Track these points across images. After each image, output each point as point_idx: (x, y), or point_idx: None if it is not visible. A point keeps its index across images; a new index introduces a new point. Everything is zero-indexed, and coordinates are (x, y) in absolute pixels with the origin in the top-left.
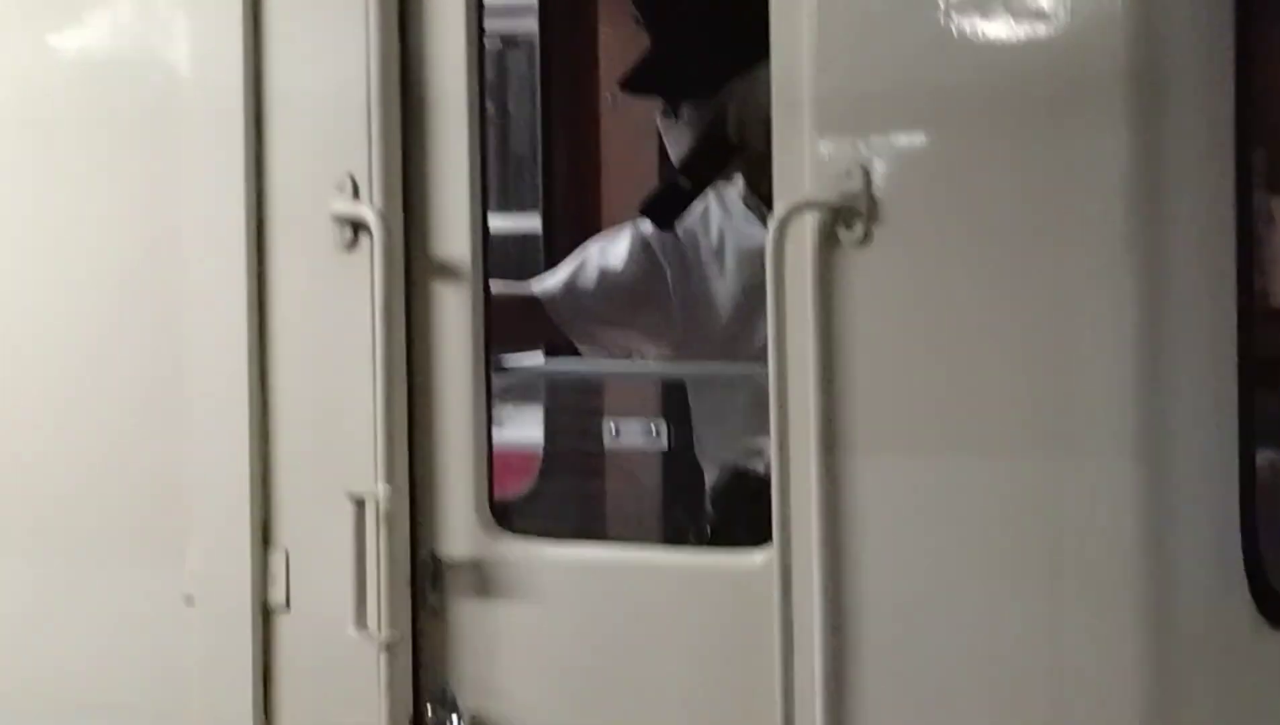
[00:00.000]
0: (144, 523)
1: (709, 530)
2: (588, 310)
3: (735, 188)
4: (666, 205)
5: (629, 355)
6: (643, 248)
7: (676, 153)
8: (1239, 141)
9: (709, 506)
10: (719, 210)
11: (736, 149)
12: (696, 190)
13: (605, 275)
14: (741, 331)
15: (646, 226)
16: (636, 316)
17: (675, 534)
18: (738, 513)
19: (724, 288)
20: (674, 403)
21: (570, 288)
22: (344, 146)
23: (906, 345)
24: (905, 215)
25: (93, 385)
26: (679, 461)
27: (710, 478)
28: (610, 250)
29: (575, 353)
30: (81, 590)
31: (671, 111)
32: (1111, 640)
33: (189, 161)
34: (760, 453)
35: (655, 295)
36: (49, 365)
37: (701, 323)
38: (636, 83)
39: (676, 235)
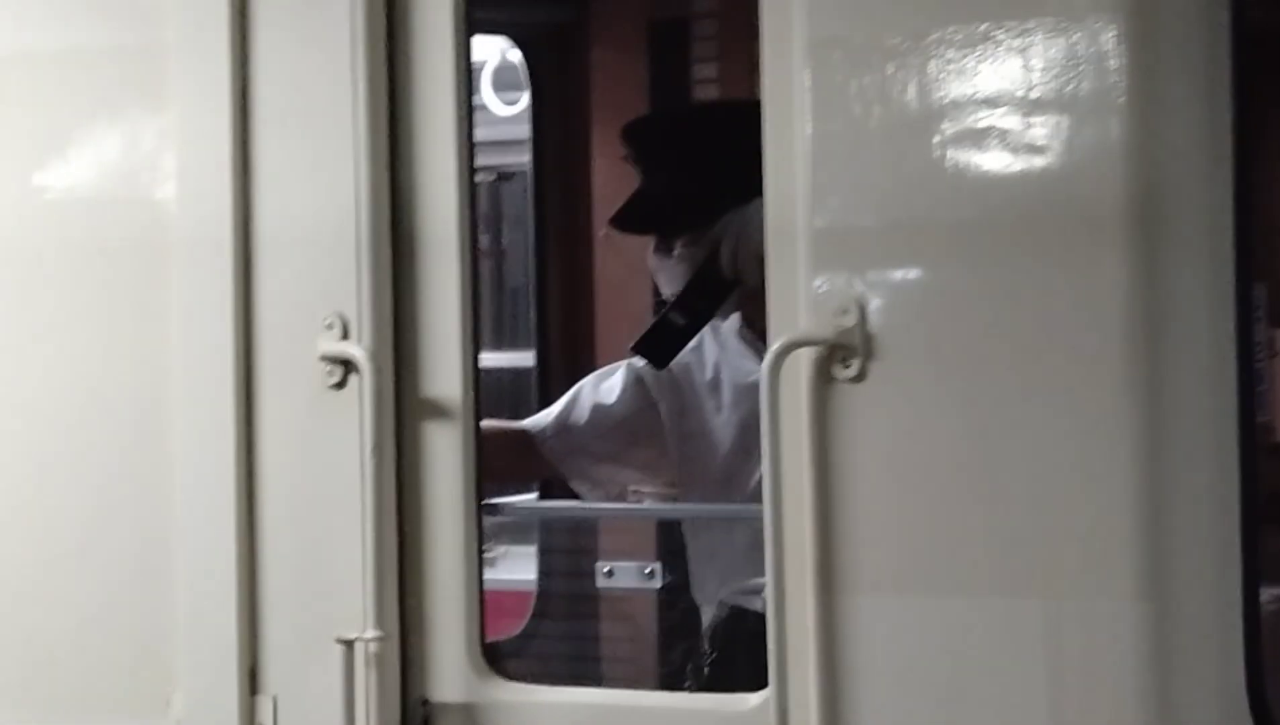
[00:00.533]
0: (128, 670)
1: (705, 672)
2: (581, 447)
3: (731, 322)
4: (660, 342)
5: (624, 492)
6: (636, 383)
7: (670, 289)
8: (1239, 274)
9: (705, 648)
10: (714, 345)
11: (731, 284)
12: (691, 326)
13: (598, 412)
14: (738, 467)
15: (640, 362)
16: (630, 453)
17: (671, 676)
18: (734, 654)
19: (720, 423)
20: (669, 541)
21: (563, 424)
22: (333, 285)
23: (904, 483)
24: (901, 351)
25: (78, 528)
26: (674, 601)
27: (706, 618)
28: (603, 387)
29: (569, 491)
30: None
31: (664, 248)
32: None
33: (176, 300)
34: (757, 592)
35: (649, 431)
36: (33, 509)
37: (697, 459)
38: (628, 221)
39: (671, 371)
